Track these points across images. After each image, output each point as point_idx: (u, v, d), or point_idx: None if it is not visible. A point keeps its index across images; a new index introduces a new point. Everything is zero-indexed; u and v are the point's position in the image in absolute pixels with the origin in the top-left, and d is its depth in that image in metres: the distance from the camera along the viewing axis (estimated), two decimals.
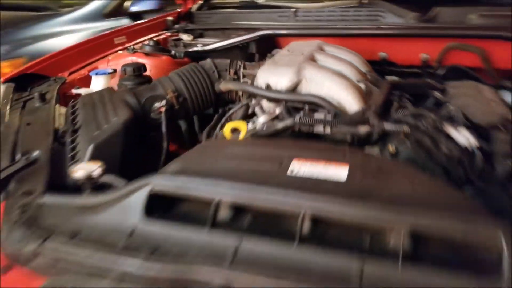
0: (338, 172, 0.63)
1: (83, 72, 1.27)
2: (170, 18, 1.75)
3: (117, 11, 3.14)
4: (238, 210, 0.62)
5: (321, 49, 1.13)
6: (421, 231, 0.52)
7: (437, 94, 1.03)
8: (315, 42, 1.18)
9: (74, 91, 1.17)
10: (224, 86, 1.07)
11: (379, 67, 1.31)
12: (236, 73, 1.20)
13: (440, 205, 0.55)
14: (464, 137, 0.76)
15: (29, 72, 1.18)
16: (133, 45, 1.45)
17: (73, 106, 1.00)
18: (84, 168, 0.75)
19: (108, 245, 0.59)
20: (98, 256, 0.58)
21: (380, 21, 1.39)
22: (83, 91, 1.17)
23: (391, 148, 0.76)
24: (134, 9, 3.17)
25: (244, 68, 1.20)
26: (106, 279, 0.57)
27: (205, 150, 0.77)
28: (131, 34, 1.56)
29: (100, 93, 1.01)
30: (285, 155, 0.68)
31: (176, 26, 1.73)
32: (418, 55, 1.35)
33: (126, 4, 3.21)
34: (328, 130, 0.84)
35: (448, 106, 0.90)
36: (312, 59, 1.04)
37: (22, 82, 1.15)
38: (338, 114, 0.87)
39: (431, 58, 1.34)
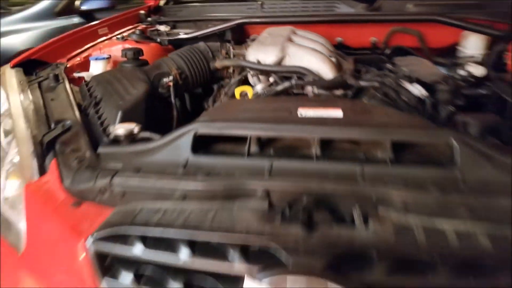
0: (335, 113, 0.84)
1: (79, 58, 1.39)
2: (142, 12, 1.88)
3: (68, 10, 3.16)
4: (263, 145, 0.82)
5: (294, 33, 1.35)
6: (399, 141, 0.75)
7: (389, 65, 1.29)
8: (288, 27, 1.40)
9: (76, 74, 1.29)
10: (219, 63, 1.26)
11: (337, 50, 1.56)
12: (227, 53, 1.39)
13: (410, 125, 0.79)
14: (417, 89, 1.01)
15: (32, 58, 1.28)
16: (117, 35, 1.59)
17: (87, 85, 1.13)
18: (124, 127, 0.91)
19: (168, 174, 0.76)
20: (162, 182, 0.75)
21: (335, 11, 1.64)
22: (84, 74, 1.29)
23: (365, 100, 1.00)
24: (85, 7, 3.20)
25: (233, 49, 1.40)
26: (170, 200, 0.74)
27: (227, 106, 0.96)
28: (111, 26, 1.68)
29: (112, 72, 1.15)
30: (291, 105, 0.89)
31: (149, 19, 1.86)
32: (368, 38, 1.63)
33: (77, 2, 3.24)
34: (315, 90, 1.06)
35: (402, 69, 1.16)
36: (290, 40, 1.26)
37: (26, 67, 1.25)
38: (320, 79, 1.10)
39: (379, 41, 1.61)
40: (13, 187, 0.87)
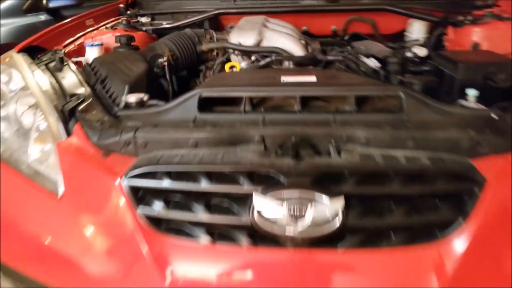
0: (310, 78, 1.06)
1: (73, 45, 1.53)
2: (121, 5, 2.03)
3: (36, 7, 3.21)
4: (255, 104, 1.02)
5: (267, 21, 1.56)
6: (361, 96, 0.98)
7: (348, 48, 1.53)
8: (262, 16, 1.60)
9: (73, 59, 1.43)
10: (206, 46, 1.44)
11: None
12: (211, 38, 1.57)
13: (368, 83, 1.02)
14: (372, 62, 1.25)
15: (33, 44, 1.41)
16: (105, 25, 1.74)
17: (90, 65, 1.29)
18: (135, 96, 1.08)
19: (182, 127, 0.95)
20: (177, 133, 0.93)
21: (300, 3, 1.86)
22: (82, 59, 1.43)
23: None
24: (52, 4, 3.25)
25: (216, 35, 1.59)
26: (185, 148, 0.92)
27: (221, 77, 1.15)
28: (95, 18, 1.82)
29: (112, 55, 1.31)
30: (275, 75, 1.09)
31: (128, 12, 2.01)
32: (329, 27, 1.86)
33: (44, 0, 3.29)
34: (291, 64, 1.27)
35: (361, 47, 1.40)
36: (265, 26, 1.47)
37: (28, 53, 1.38)
38: (294, 56, 1.31)
39: (338, 29, 1.86)
40: (42, 148, 1.02)
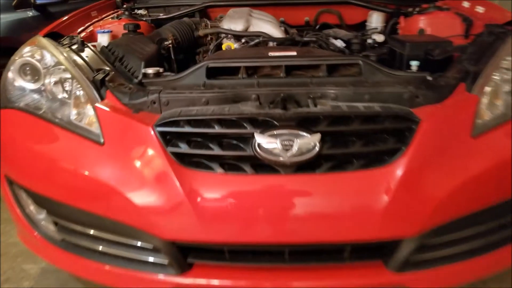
0: (291, 53, 1.36)
1: (85, 33, 1.77)
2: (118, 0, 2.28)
3: (24, 3, 3.37)
4: (250, 73, 1.31)
5: (251, 11, 1.85)
6: (331, 64, 1.29)
7: (320, 32, 1.85)
8: (246, 8, 1.90)
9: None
10: (202, 31, 1.73)
11: None
12: (206, 25, 1.85)
13: (337, 56, 1.34)
14: (339, 43, 1.57)
15: (54, 31, 1.65)
16: (109, 16, 1.99)
17: (107, 47, 1.54)
18: (152, 69, 1.35)
19: (195, 89, 1.23)
20: (192, 94, 1.21)
21: None
22: (95, 43, 1.69)
23: None
24: (40, 1, 3.42)
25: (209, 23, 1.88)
26: (196, 105, 1.20)
27: (222, 53, 1.44)
28: (98, 10, 2.07)
29: (126, 38, 1.58)
30: (264, 51, 1.39)
31: (124, 6, 2.26)
32: (303, 18, 2.18)
33: None
34: (275, 44, 1.57)
35: (330, 31, 1.72)
36: (250, 15, 1.77)
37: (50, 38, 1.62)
38: (277, 38, 1.62)
39: (310, 19, 2.18)
40: (80, 110, 1.28)
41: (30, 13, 3.39)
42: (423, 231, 1.13)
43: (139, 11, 2.14)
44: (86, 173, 1.17)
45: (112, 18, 1.92)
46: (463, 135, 1.16)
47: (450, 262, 1.23)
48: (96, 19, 1.94)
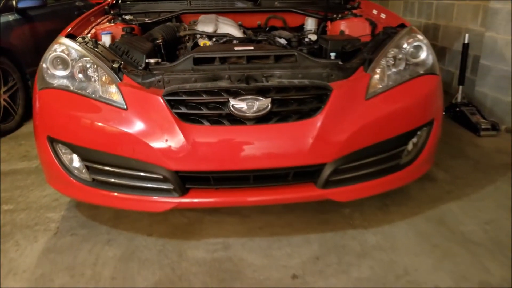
0: (250, 47, 2.00)
1: (90, 34, 2.31)
2: (106, 7, 2.81)
3: (8, 7, 3.76)
4: (223, 61, 1.93)
5: (218, 17, 2.48)
6: (277, 55, 1.94)
7: (269, 33, 2.50)
8: (213, 15, 2.51)
9: None
10: (183, 33, 2.32)
11: None
12: (185, 28, 2.45)
13: (280, 50, 1.99)
14: (282, 41, 2.23)
15: (70, 33, 2.17)
16: (101, 21, 2.53)
17: (114, 45, 2.11)
18: (153, 59, 1.94)
19: (186, 72, 1.83)
20: (185, 75, 1.81)
21: (235, 6, 2.80)
22: (100, 43, 2.23)
23: None
24: (21, 5, 3.83)
25: (188, 26, 2.47)
26: (188, 82, 1.81)
27: (201, 48, 2.05)
28: (95, 16, 2.61)
29: (126, 38, 2.14)
30: (231, 46, 2.02)
31: (112, 12, 2.80)
32: (255, 22, 2.83)
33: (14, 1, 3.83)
34: (237, 42, 2.21)
35: (276, 32, 2.38)
36: (217, 20, 2.39)
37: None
38: (238, 38, 2.25)
39: (262, 23, 2.83)
40: (106, 88, 1.84)
41: (13, 17, 3.78)
42: (336, 158, 1.80)
43: (126, 17, 2.69)
44: (117, 128, 1.75)
45: (109, 22, 2.46)
46: (360, 98, 1.85)
47: (357, 181, 1.91)
48: (95, 23, 2.48)
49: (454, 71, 4.34)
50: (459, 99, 3.72)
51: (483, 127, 3.32)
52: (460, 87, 3.73)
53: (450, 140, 3.24)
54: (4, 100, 3.51)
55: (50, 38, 4.24)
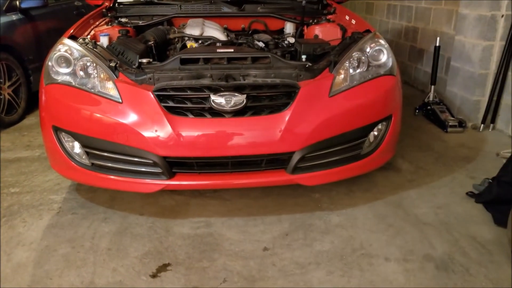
0: (231, 49, 2.28)
1: (89, 36, 2.57)
2: (104, 10, 3.08)
3: (12, 7, 4.01)
4: (207, 61, 2.21)
5: (204, 21, 2.75)
6: (254, 56, 2.22)
7: (249, 37, 2.78)
8: (200, 19, 2.79)
9: None
10: (173, 35, 2.60)
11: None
12: (174, 31, 2.72)
13: (257, 52, 2.27)
14: (261, 43, 2.52)
15: (72, 34, 2.44)
16: (99, 23, 2.80)
17: (111, 45, 2.38)
18: (145, 59, 2.22)
19: (174, 71, 2.11)
20: (172, 74, 2.09)
21: (221, 10, 3.07)
22: (98, 43, 2.51)
23: None
24: (24, 5, 4.08)
25: (177, 29, 2.75)
26: (176, 80, 2.08)
27: (188, 50, 2.33)
28: (93, 18, 2.88)
29: (122, 40, 2.42)
30: (214, 48, 2.30)
31: (109, 14, 3.07)
32: (240, 26, 3.11)
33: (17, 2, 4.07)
34: (220, 44, 2.49)
35: (255, 36, 2.66)
36: (204, 24, 2.67)
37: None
38: (221, 41, 2.53)
39: (245, 27, 3.11)
40: (104, 84, 2.11)
41: (16, 16, 4.03)
42: (303, 147, 2.09)
43: (122, 19, 2.96)
44: (113, 118, 2.03)
45: (107, 24, 2.73)
46: (324, 96, 2.13)
47: (322, 168, 2.20)
48: (94, 25, 2.75)
49: (430, 71, 4.63)
50: (431, 98, 4.02)
51: (450, 124, 3.61)
52: (432, 86, 4.03)
53: (419, 135, 3.54)
54: (8, 94, 3.77)
55: (50, 36, 4.56)
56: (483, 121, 3.62)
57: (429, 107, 3.91)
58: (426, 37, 4.78)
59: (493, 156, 3.10)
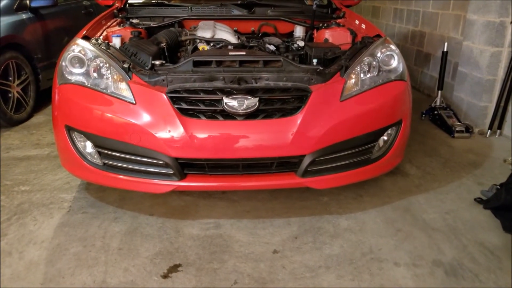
0: (243, 52, 2.30)
1: (102, 36, 2.59)
2: (115, 10, 3.10)
3: (23, 6, 4.03)
4: (219, 64, 2.22)
5: (215, 24, 2.77)
6: (265, 60, 2.23)
7: (260, 40, 2.80)
8: (211, 21, 2.81)
9: None
10: (184, 37, 2.62)
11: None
12: (185, 33, 2.74)
13: (269, 55, 2.29)
14: (272, 47, 2.53)
15: (85, 35, 2.46)
16: (111, 24, 2.82)
17: (124, 46, 2.40)
18: (158, 61, 2.24)
19: (187, 72, 2.12)
20: (185, 76, 2.10)
21: (232, 13, 3.09)
22: (111, 44, 2.52)
23: None
24: (34, 4, 4.11)
25: (189, 31, 2.76)
26: (188, 82, 2.10)
27: (200, 52, 2.34)
28: (105, 19, 2.90)
29: (135, 41, 2.43)
30: (226, 51, 2.31)
31: (120, 15, 3.09)
32: (249, 28, 3.13)
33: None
34: (231, 47, 2.50)
35: (266, 39, 2.68)
36: (215, 27, 2.68)
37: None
38: (233, 43, 2.55)
39: (255, 30, 3.13)
40: (117, 85, 2.13)
41: (26, 15, 4.05)
42: (314, 151, 2.10)
43: (133, 21, 2.98)
44: (126, 119, 2.04)
45: (118, 25, 2.75)
46: (335, 100, 2.14)
47: (332, 172, 2.21)
48: (106, 26, 2.77)
49: (437, 76, 4.64)
50: (438, 103, 4.03)
51: (457, 129, 3.62)
52: (439, 91, 4.04)
53: (426, 140, 3.55)
54: (17, 92, 3.79)
55: (59, 35, 4.59)
56: (490, 127, 3.63)
57: (436, 112, 3.92)
58: (433, 41, 4.79)
59: (500, 162, 3.11)
